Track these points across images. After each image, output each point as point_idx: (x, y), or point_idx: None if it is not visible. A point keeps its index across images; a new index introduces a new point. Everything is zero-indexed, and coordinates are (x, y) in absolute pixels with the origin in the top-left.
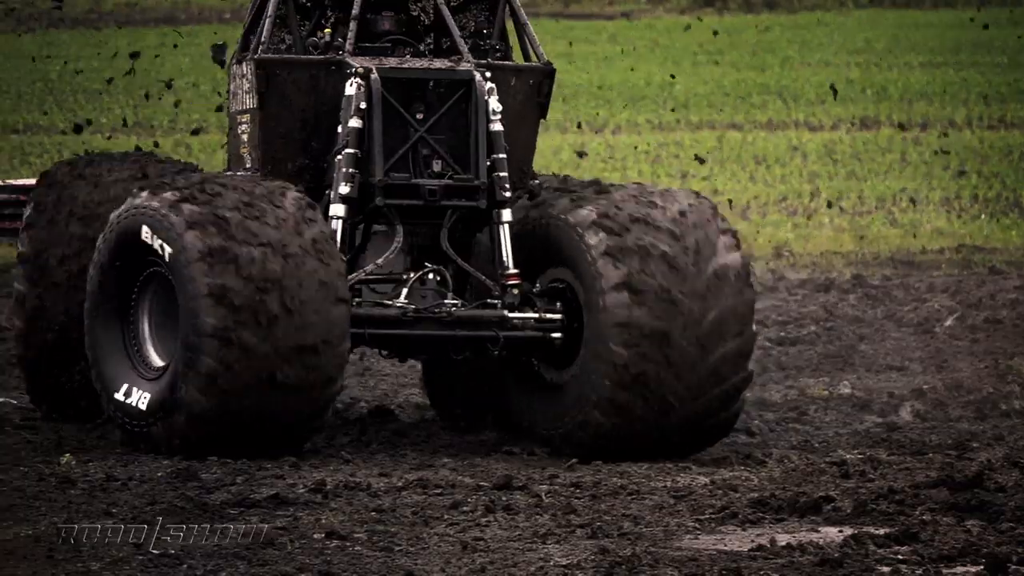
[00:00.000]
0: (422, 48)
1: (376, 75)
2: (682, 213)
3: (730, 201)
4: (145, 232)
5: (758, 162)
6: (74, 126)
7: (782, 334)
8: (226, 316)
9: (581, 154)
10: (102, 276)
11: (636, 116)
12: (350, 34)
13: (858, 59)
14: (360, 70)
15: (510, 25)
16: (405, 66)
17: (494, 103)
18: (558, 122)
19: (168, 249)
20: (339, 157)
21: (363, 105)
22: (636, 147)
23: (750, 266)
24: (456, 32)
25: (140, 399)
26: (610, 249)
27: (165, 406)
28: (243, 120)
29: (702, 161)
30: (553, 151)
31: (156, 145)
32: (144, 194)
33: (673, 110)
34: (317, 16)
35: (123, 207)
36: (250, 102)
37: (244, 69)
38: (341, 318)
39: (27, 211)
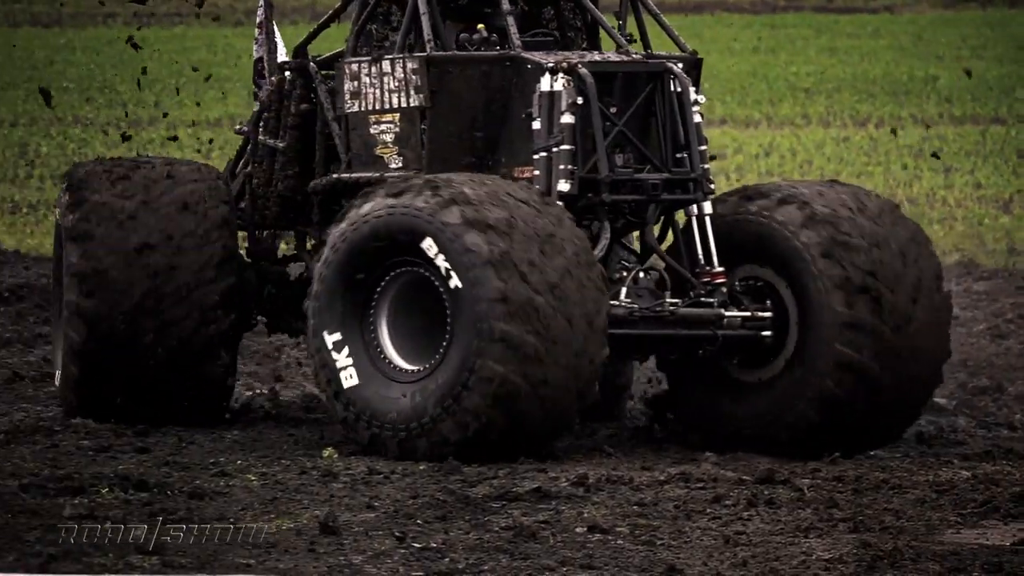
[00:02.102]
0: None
1: (586, 70)
2: (879, 211)
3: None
4: (410, 233)
5: (1021, 156)
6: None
7: None
8: (513, 321)
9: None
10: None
11: (899, 110)
12: (513, 29)
13: None
14: (565, 66)
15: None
16: (604, 60)
17: (694, 94)
18: (820, 116)
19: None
20: (543, 155)
21: (579, 100)
22: (898, 140)
23: (940, 264)
24: (607, 26)
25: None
26: (827, 248)
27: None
28: (384, 120)
29: (937, 156)
30: (816, 145)
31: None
32: (400, 195)
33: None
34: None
35: (368, 207)
36: (398, 101)
37: (386, 67)
38: (603, 321)
39: (72, 216)
